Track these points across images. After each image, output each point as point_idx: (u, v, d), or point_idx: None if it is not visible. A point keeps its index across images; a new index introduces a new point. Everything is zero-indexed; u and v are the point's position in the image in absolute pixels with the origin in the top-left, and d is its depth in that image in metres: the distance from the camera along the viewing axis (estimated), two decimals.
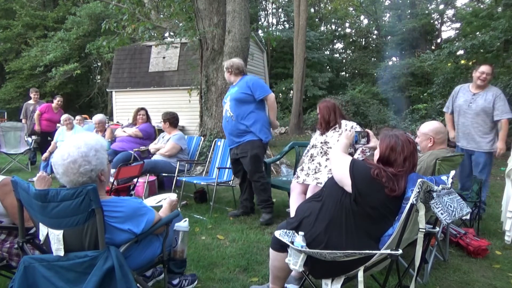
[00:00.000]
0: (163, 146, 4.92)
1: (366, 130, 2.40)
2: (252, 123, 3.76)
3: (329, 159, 3.34)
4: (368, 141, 2.38)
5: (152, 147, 5.11)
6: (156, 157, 4.89)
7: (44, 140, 7.10)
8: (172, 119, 5.06)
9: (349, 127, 3.32)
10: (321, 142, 3.40)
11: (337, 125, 3.39)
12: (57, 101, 7.31)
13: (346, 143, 2.24)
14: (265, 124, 3.86)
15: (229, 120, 3.82)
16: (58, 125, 7.01)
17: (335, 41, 26.39)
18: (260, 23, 23.86)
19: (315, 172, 3.31)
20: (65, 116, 6.36)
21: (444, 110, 4.30)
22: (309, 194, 3.25)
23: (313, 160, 3.39)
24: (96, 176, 1.71)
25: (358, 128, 3.27)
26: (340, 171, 1.93)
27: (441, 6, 20.30)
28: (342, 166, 1.92)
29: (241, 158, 3.86)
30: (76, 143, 1.68)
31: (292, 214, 3.37)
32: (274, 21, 26.90)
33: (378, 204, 1.79)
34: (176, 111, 5.32)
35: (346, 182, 1.86)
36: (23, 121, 7.79)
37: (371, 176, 1.81)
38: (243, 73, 3.96)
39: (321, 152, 3.37)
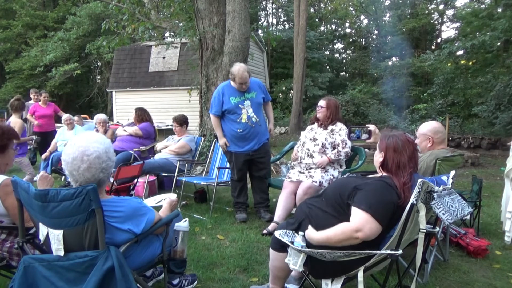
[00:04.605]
0: (173, 144, 4.97)
1: (370, 125, 2.41)
2: (265, 124, 3.92)
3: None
4: (369, 137, 2.41)
5: (161, 144, 5.12)
6: (160, 155, 4.89)
7: (42, 140, 7.08)
8: (186, 122, 5.15)
9: (337, 129, 3.48)
10: (323, 142, 3.47)
11: (335, 125, 3.52)
12: (42, 97, 7.27)
13: None
14: None
15: (255, 125, 3.81)
16: (57, 124, 6.98)
17: (335, 41, 26.36)
18: (260, 23, 23.82)
19: (309, 169, 3.42)
20: (65, 116, 6.38)
21: None
22: (299, 192, 3.31)
23: (312, 157, 3.46)
24: (110, 173, 1.73)
25: (344, 133, 3.44)
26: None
27: (441, 6, 20.30)
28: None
29: (259, 158, 3.88)
30: (95, 139, 1.69)
31: (279, 212, 3.43)
32: (274, 21, 26.91)
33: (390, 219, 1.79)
34: (176, 111, 5.31)
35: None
36: (28, 117, 7.77)
37: (393, 207, 1.76)
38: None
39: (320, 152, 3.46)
